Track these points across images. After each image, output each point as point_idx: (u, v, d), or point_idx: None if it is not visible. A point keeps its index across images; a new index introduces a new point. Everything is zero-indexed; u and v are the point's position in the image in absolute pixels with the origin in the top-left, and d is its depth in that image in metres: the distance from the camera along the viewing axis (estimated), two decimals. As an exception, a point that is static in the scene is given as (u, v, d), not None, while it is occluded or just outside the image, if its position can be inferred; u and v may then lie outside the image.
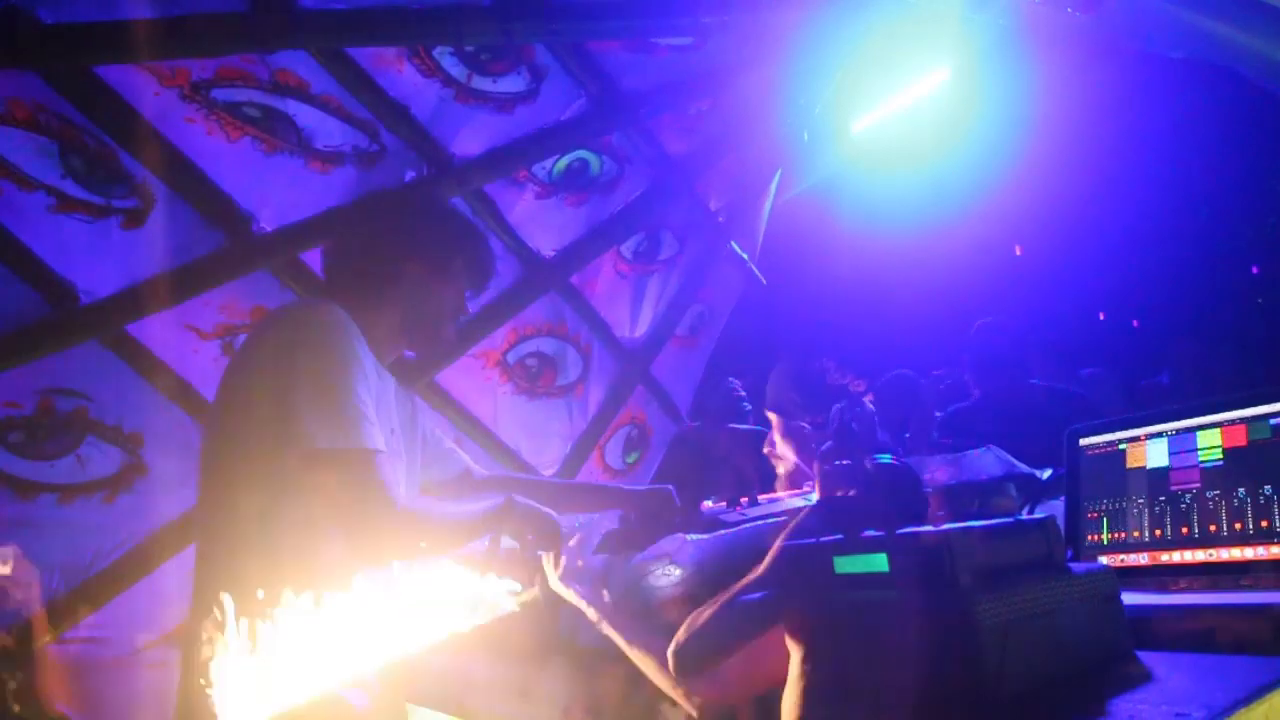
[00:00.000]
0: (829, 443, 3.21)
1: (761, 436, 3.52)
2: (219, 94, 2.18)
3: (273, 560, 1.28)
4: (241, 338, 2.41)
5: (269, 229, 2.42)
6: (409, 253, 1.50)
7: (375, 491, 1.26)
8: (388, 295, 1.49)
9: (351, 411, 1.27)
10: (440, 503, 1.61)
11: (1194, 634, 0.92)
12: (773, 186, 3.49)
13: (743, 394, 3.90)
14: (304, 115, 2.32)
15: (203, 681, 1.12)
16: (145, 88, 2.10)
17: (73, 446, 2.31)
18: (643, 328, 3.43)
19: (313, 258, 2.48)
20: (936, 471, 1.53)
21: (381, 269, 1.50)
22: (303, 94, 2.28)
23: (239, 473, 1.31)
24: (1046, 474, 1.60)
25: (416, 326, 1.53)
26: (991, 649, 0.79)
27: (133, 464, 2.38)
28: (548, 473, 3.27)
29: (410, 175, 2.59)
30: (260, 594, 1.26)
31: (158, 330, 2.36)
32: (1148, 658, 0.87)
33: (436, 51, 2.38)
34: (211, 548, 1.36)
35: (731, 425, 3.67)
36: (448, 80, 2.45)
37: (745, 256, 3.57)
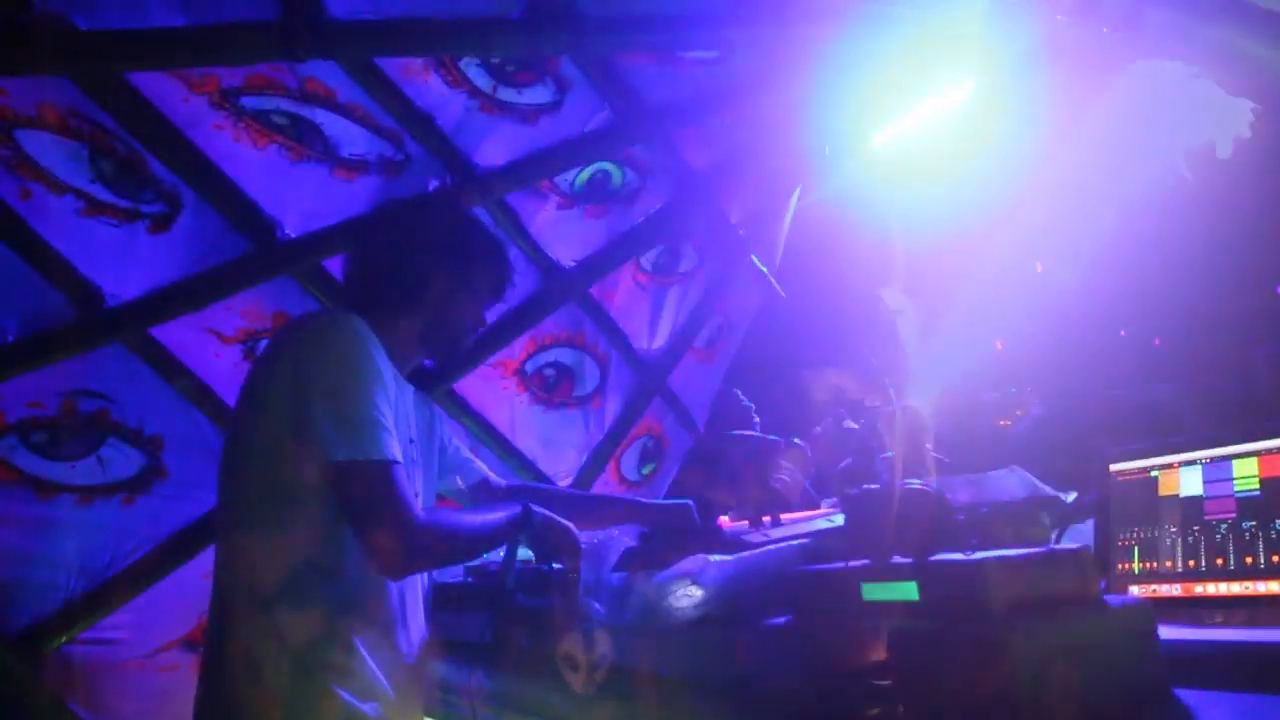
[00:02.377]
0: (847, 461, 3.20)
1: (770, 445, 3.46)
2: (247, 101, 2.20)
3: (292, 570, 1.28)
4: (263, 343, 2.43)
5: (293, 235, 2.43)
6: (433, 264, 1.50)
7: (392, 503, 1.26)
8: (410, 305, 1.49)
9: (369, 423, 1.26)
10: (457, 513, 1.60)
11: (1233, 672, 0.90)
12: (793, 200, 3.49)
13: (748, 403, 3.87)
14: (331, 124, 2.33)
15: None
16: (175, 94, 2.12)
17: (94, 448, 2.32)
18: (661, 339, 3.42)
19: (336, 265, 2.49)
20: (959, 492, 1.50)
21: (405, 279, 1.49)
22: (330, 103, 2.29)
23: (258, 482, 1.31)
24: (1071, 497, 1.58)
25: (437, 337, 1.53)
26: (1027, 684, 0.77)
27: (153, 467, 2.39)
28: (563, 483, 3.26)
29: (434, 184, 2.60)
30: (279, 603, 1.26)
31: (181, 334, 2.37)
32: (1186, 696, 0.85)
33: (463, 62, 2.39)
34: (231, 555, 1.35)
35: (736, 432, 3.63)
36: (473, 91, 2.46)
37: (765, 270, 3.56)
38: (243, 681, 1.26)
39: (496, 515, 1.45)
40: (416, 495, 1.41)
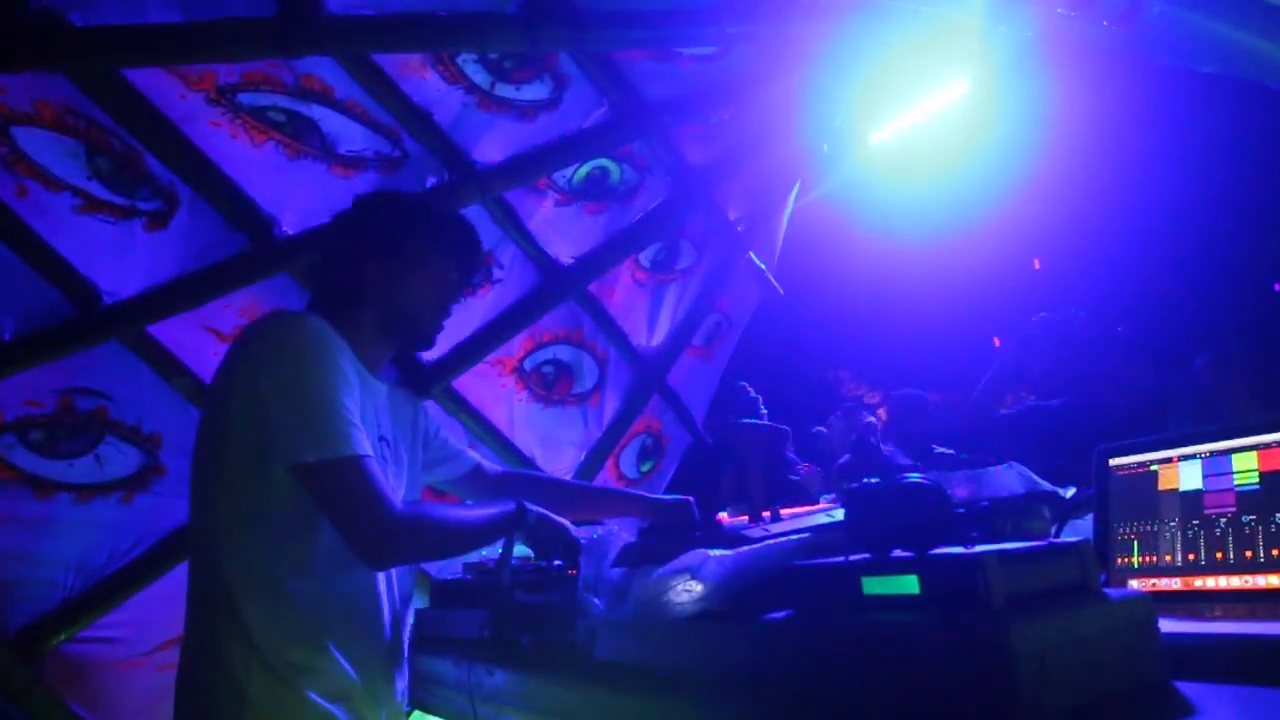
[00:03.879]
0: (846, 456, 3.20)
1: (775, 433, 3.48)
2: (244, 98, 2.20)
3: (259, 572, 1.27)
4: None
5: (291, 233, 2.42)
6: (364, 252, 1.48)
7: (367, 495, 1.25)
8: (358, 297, 1.47)
9: (335, 419, 1.25)
10: (445, 506, 1.57)
11: (1233, 665, 0.90)
12: (791, 197, 3.49)
13: (755, 394, 3.88)
14: (328, 120, 2.33)
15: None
16: (172, 91, 2.11)
17: (91, 446, 2.31)
18: (659, 337, 3.42)
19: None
20: (957, 487, 1.50)
21: (345, 274, 1.49)
22: (327, 99, 2.29)
23: (224, 486, 1.30)
24: (1070, 493, 1.58)
25: (395, 323, 1.50)
26: (1028, 677, 0.76)
27: (151, 464, 2.39)
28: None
29: (431, 181, 2.59)
30: (247, 605, 1.25)
31: (178, 332, 2.37)
32: (1186, 689, 0.84)
33: (461, 58, 2.39)
34: (200, 558, 1.34)
35: (744, 420, 3.63)
36: (471, 87, 2.46)
37: (763, 267, 3.55)
38: (212, 685, 1.25)
39: (488, 511, 1.45)
40: (394, 491, 1.40)
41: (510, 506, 1.46)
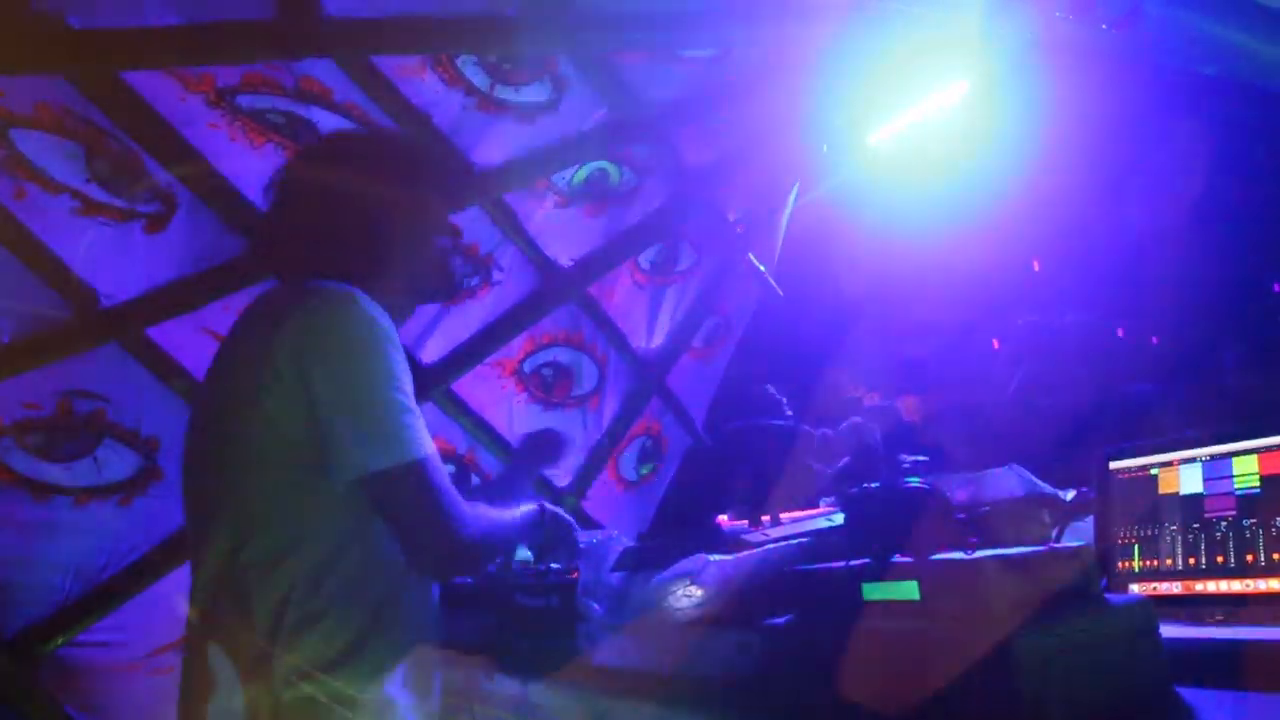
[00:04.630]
0: (846, 460, 3.19)
1: (792, 433, 3.44)
2: (244, 100, 2.19)
3: (313, 582, 1.14)
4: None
5: (290, 235, 2.42)
6: (395, 213, 1.34)
7: (436, 510, 1.14)
8: (388, 261, 1.33)
9: (398, 417, 1.14)
10: (488, 510, 1.37)
11: (1234, 669, 0.89)
12: (791, 198, 3.48)
13: (779, 396, 3.86)
14: (327, 122, 2.32)
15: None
16: (171, 93, 2.11)
17: (90, 449, 2.31)
18: (659, 338, 3.42)
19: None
20: (957, 491, 1.50)
21: (380, 240, 1.32)
22: (326, 101, 2.28)
23: (270, 490, 1.17)
24: (1070, 495, 1.58)
25: (428, 283, 1.41)
26: (1030, 682, 0.76)
27: (149, 468, 2.39)
28: (562, 483, 3.25)
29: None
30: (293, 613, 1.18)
31: (177, 334, 2.36)
32: (1188, 694, 0.84)
33: (460, 60, 2.38)
34: (222, 561, 1.18)
35: (757, 421, 3.59)
36: (470, 89, 2.45)
37: (763, 269, 3.55)
38: (233, 684, 1.20)
39: (520, 515, 1.41)
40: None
41: (534, 509, 1.45)
